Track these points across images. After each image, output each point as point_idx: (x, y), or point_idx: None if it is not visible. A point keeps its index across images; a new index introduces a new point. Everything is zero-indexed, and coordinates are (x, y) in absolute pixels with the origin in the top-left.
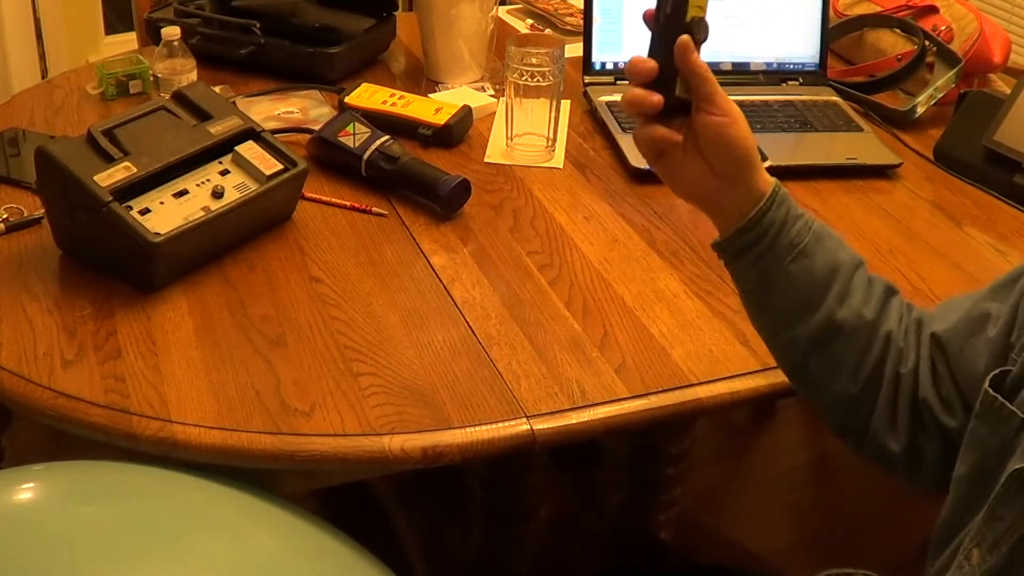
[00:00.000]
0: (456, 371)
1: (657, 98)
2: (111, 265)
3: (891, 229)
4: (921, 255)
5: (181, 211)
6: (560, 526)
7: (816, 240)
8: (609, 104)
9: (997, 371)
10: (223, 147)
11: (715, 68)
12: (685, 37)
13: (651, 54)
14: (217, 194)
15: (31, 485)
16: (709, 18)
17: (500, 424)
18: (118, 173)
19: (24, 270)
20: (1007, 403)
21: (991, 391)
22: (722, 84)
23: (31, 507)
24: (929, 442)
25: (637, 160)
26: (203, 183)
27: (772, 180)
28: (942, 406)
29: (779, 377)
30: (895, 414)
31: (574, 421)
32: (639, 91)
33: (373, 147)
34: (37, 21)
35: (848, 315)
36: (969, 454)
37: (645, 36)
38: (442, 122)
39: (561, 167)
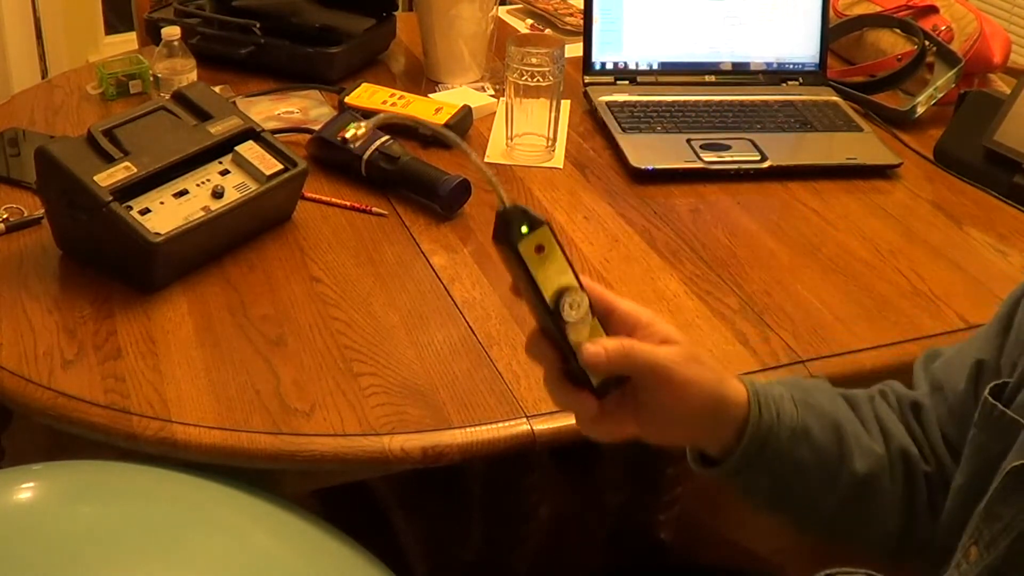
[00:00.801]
0: (456, 371)
1: (588, 401)
2: (111, 265)
3: (891, 229)
4: (921, 255)
5: (181, 211)
6: (560, 526)
7: (805, 410)
8: (609, 104)
9: (997, 382)
10: (223, 147)
11: (715, 68)
12: (582, 347)
13: (543, 336)
14: (217, 194)
15: (31, 485)
16: (709, 18)
17: (500, 424)
18: (118, 173)
19: (24, 270)
20: (1007, 410)
21: (991, 399)
22: (722, 84)
23: (30, 507)
24: None
25: (637, 160)
26: (203, 183)
27: (737, 381)
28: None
29: (779, 377)
30: (935, 510)
31: (574, 421)
32: (571, 402)
33: (373, 147)
34: (37, 21)
35: (865, 465)
36: (968, 464)
37: (645, 36)
38: (442, 122)
39: (561, 167)
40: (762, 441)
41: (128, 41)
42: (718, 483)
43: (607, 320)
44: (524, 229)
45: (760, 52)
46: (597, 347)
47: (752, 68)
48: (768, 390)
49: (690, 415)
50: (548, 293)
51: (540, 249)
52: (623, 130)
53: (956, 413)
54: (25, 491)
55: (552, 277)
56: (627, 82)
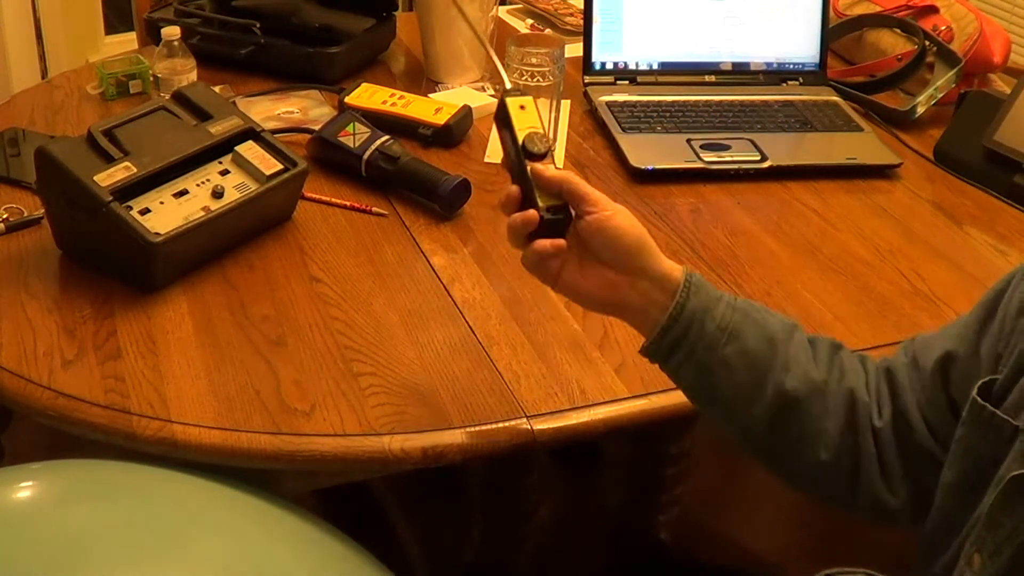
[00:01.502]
0: (456, 371)
1: (531, 212)
2: (111, 265)
3: (891, 229)
4: (921, 255)
5: (181, 211)
6: (560, 526)
7: (743, 317)
8: (609, 104)
9: (985, 379)
10: (223, 147)
11: (715, 68)
12: (535, 165)
13: (513, 182)
14: (217, 194)
15: (30, 484)
16: (709, 18)
17: (500, 424)
18: (118, 173)
19: (24, 270)
20: (996, 411)
21: (979, 399)
22: (722, 84)
23: (30, 506)
24: (936, 483)
25: (637, 160)
26: (203, 183)
27: (680, 268)
28: (940, 447)
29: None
30: (885, 469)
31: (574, 421)
32: (514, 216)
33: (373, 147)
34: (37, 21)
35: (798, 383)
36: (957, 462)
37: (645, 36)
38: (442, 122)
39: (561, 167)
40: (686, 325)
41: (128, 41)
42: (654, 363)
43: (577, 205)
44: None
45: (760, 52)
46: (546, 166)
47: (752, 68)
48: (707, 287)
49: (621, 266)
50: (520, 134)
51: (523, 107)
52: (623, 130)
53: (927, 392)
54: (24, 490)
55: (526, 125)
56: (627, 82)
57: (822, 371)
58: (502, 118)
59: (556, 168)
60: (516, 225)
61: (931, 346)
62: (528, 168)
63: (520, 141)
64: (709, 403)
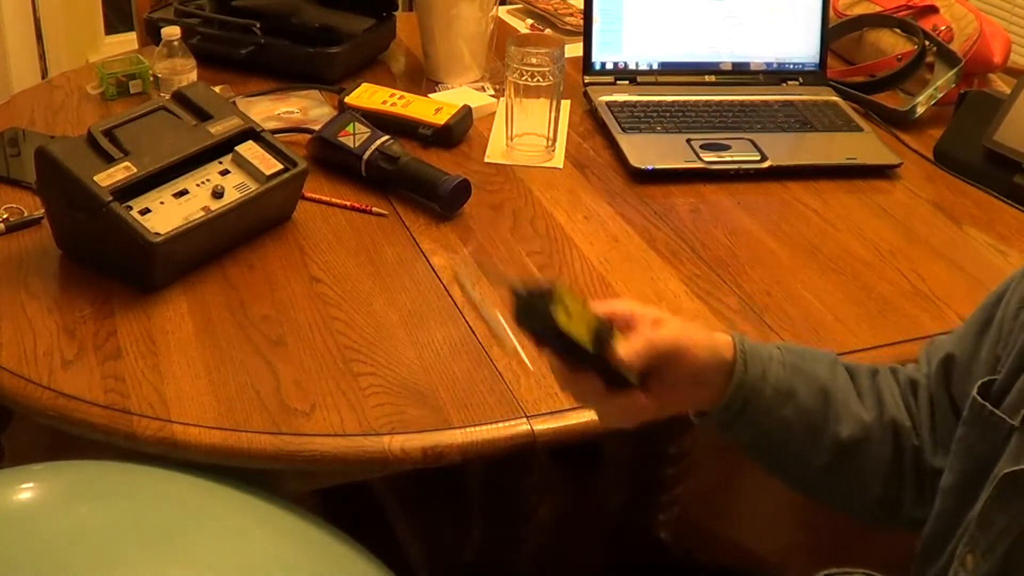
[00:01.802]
0: (456, 371)
1: (639, 398)
2: (111, 265)
3: (891, 229)
4: (921, 255)
5: (181, 211)
6: (560, 526)
7: (794, 373)
8: (609, 104)
9: (985, 379)
10: (223, 147)
11: (715, 68)
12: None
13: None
14: (217, 194)
15: (30, 485)
16: (709, 18)
17: (500, 424)
18: (118, 173)
19: (24, 270)
20: (995, 410)
21: (979, 399)
22: (722, 84)
23: (30, 507)
24: None
25: (637, 160)
26: (203, 183)
27: (728, 338)
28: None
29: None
30: (921, 488)
31: (574, 421)
32: (627, 406)
33: (373, 147)
34: (37, 21)
35: (851, 431)
36: (957, 462)
37: (645, 36)
38: (442, 122)
39: (561, 167)
40: (746, 397)
41: (128, 41)
42: (717, 437)
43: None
44: (549, 308)
45: (760, 52)
46: (630, 353)
47: (752, 68)
48: (757, 350)
49: (697, 376)
50: (588, 341)
51: (567, 311)
52: (623, 130)
53: (932, 391)
54: (25, 491)
55: (582, 325)
56: (627, 82)
57: (869, 409)
58: (541, 326)
59: (635, 347)
60: (621, 409)
61: (939, 348)
62: (611, 362)
63: (593, 349)
64: (767, 459)
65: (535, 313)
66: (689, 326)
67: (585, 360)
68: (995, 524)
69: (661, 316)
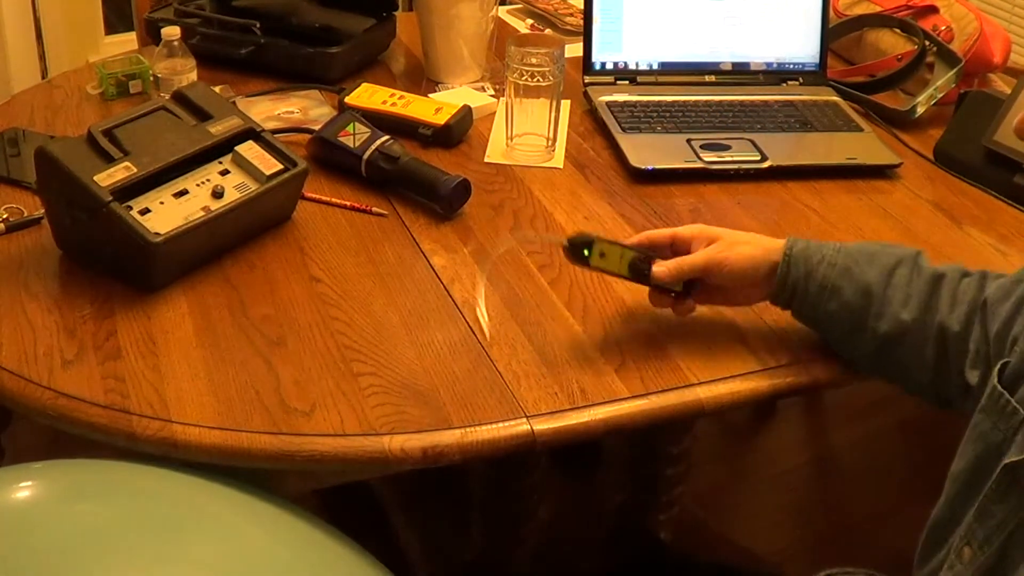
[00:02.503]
0: (456, 371)
1: (669, 301)
2: (111, 265)
3: (891, 229)
4: None
5: (181, 211)
6: (560, 526)
7: (841, 274)
8: (609, 104)
9: (1002, 362)
10: (223, 147)
11: (715, 68)
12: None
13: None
14: (217, 194)
15: (30, 484)
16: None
17: (500, 424)
18: (118, 173)
19: (24, 270)
20: (1011, 399)
21: (999, 387)
22: (722, 84)
23: (30, 506)
24: None
25: (637, 160)
26: (203, 183)
27: (781, 244)
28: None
29: (779, 378)
30: (967, 391)
31: (574, 421)
32: (666, 304)
33: (373, 147)
34: (37, 21)
35: (889, 327)
36: (970, 448)
37: (645, 36)
38: (442, 122)
39: (561, 167)
40: (791, 292)
41: (128, 41)
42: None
43: (676, 247)
44: (585, 252)
45: (760, 52)
46: (662, 273)
47: (752, 68)
48: (808, 253)
49: (740, 279)
50: (624, 271)
51: (603, 255)
52: (623, 130)
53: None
54: (24, 490)
55: (618, 259)
56: (627, 82)
57: (912, 310)
58: (586, 267)
59: (667, 266)
60: (662, 304)
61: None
62: (650, 279)
63: (630, 274)
64: (826, 338)
65: (579, 258)
66: (740, 241)
67: (633, 280)
68: (994, 516)
69: (717, 235)
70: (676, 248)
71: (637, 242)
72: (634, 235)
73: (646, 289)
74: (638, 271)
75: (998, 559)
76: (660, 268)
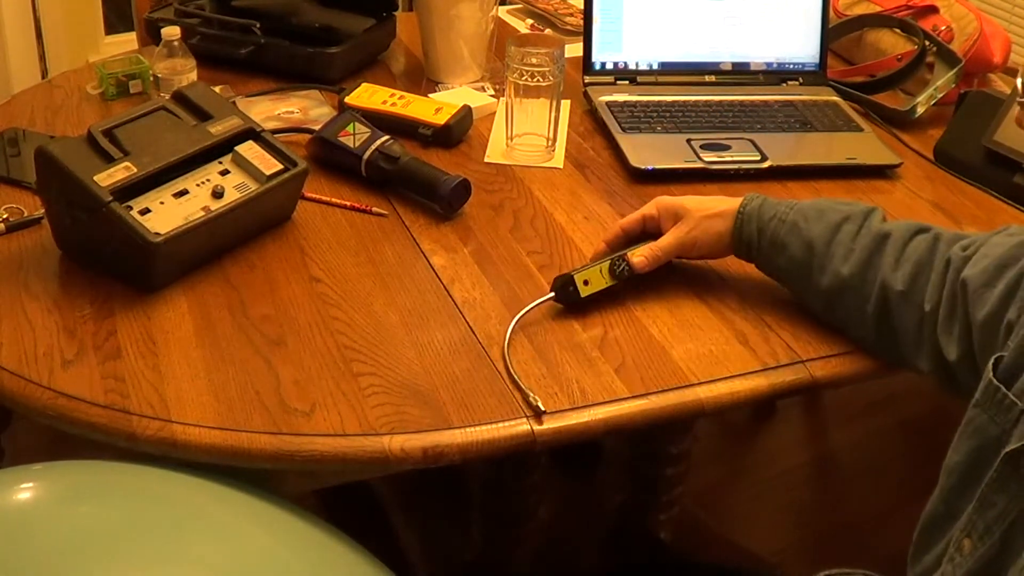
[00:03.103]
0: (456, 371)
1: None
2: (111, 265)
3: None
4: None
5: (181, 211)
6: (560, 526)
7: (789, 230)
8: (609, 104)
9: (996, 356)
10: (223, 147)
11: (715, 68)
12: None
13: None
14: (217, 194)
15: (30, 485)
16: (709, 18)
17: (500, 424)
18: (118, 173)
19: (24, 270)
20: (1008, 392)
21: (995, 381)
22: (722, 84)
23: (30, 507)
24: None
25: (637, 160)
26: (203, 183)
27: (736, 204)
28: (947, 340)
29: (779, 377)
30: (919, 346)
31: (574, 421)
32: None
33: (373, 147)
34: (37, 21)
35: (830, 281)
36: (965, 442)
37: (645, 36)
38: (442, 122)
39: (561, 167)
40: (747, 248)
41: (128, 41)
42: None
43: (648, 227)
44: (571, 289)
45: (760, 52)
46: (642, 264)
47: (752, 68)
48: (760, 212)
49: (710, 246)
50: (610, 280)
51: (587, 282)
52: (623, 130)
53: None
54: (24, 491)
55: (599, 275)
56: (627, 82)
57: (851, 266)
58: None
59: (645, 254)
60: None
61: (978, 259)
62: (635, 272)
63: (616, 281)
64: (788, 289)
65: (571, 298)
66: (706, 213)
67: (622, 281)
68: (995, 506)
69: (684, 210)
70: (647, 227)
71: (613, 236)
72: (621, 233)
73: (645, 289)
74: (620, 272)
75: (999, 549)
76: (639, 260)
